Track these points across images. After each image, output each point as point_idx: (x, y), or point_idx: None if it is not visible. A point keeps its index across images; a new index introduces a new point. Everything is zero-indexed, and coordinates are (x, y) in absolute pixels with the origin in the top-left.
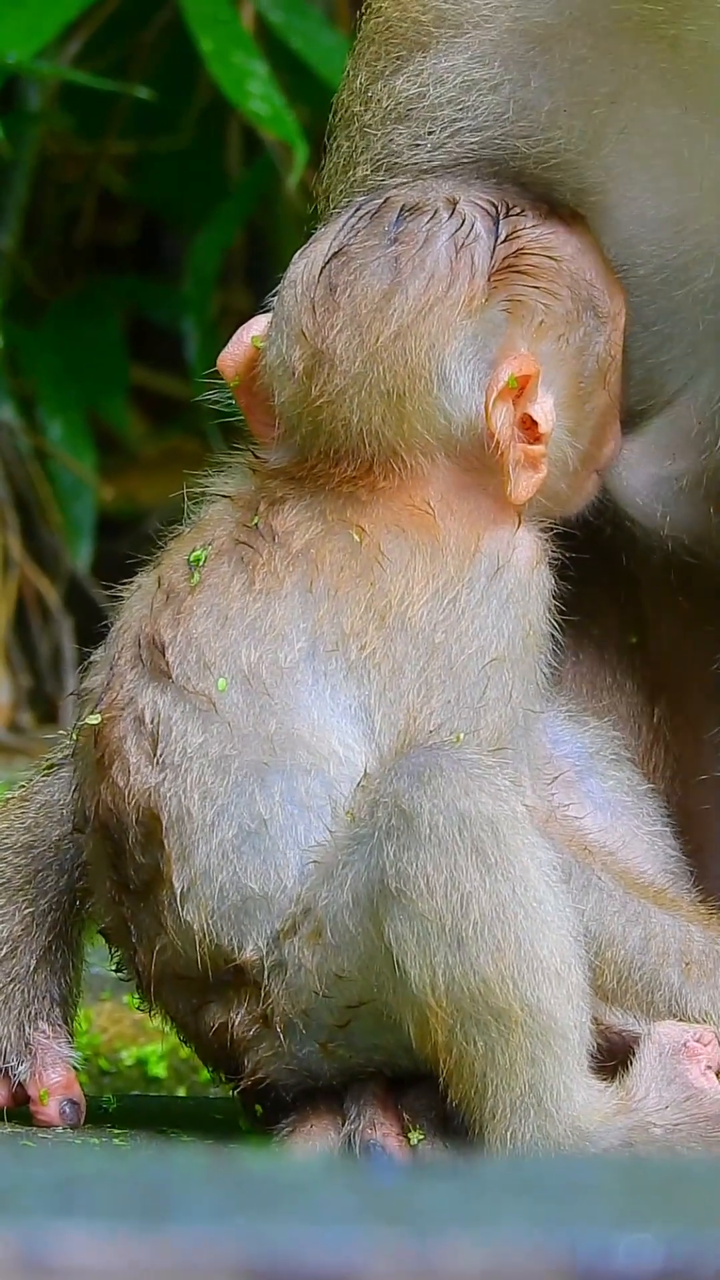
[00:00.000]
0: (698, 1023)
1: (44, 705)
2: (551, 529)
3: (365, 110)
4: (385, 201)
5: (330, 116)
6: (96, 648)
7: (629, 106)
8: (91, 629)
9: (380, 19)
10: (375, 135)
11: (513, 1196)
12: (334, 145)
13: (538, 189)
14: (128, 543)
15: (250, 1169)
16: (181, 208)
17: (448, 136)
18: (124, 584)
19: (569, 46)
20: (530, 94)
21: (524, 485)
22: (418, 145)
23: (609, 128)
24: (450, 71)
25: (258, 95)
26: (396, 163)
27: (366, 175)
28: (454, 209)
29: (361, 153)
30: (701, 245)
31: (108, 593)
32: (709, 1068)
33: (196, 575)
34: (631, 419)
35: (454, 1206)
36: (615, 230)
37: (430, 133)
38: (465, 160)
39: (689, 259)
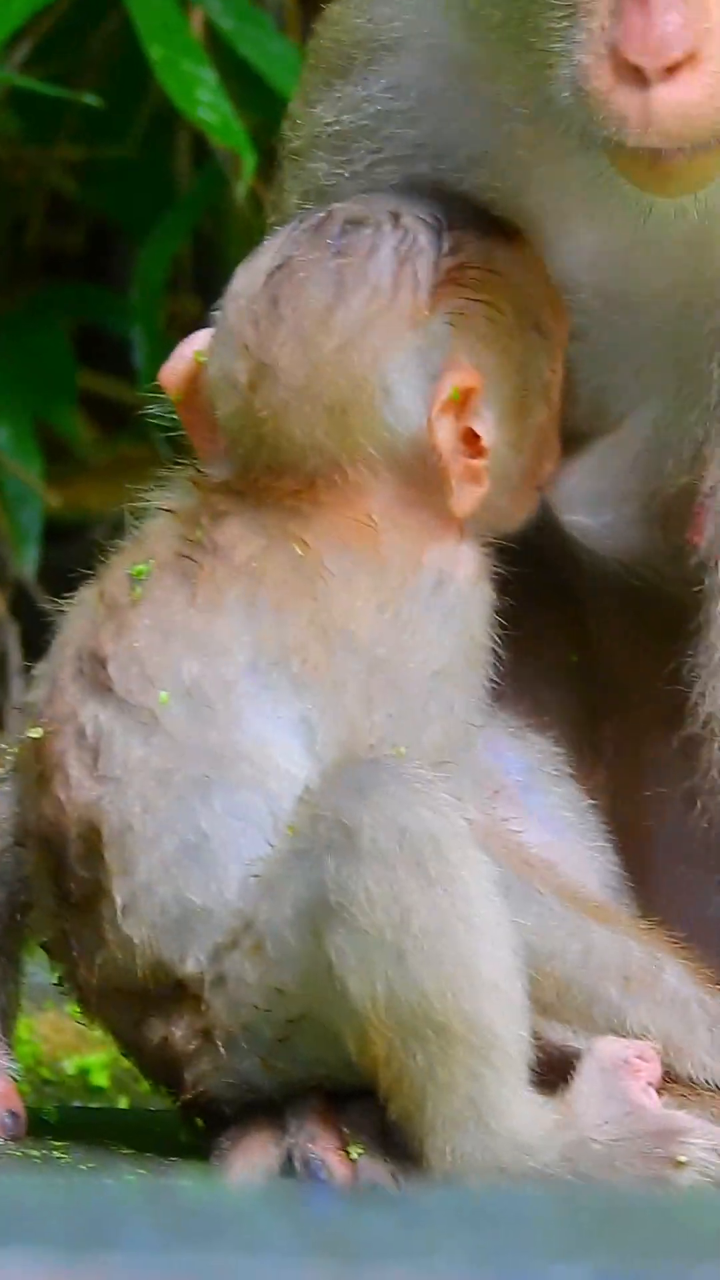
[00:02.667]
0: (637, 1037)
1: None
2: (493, 544)
3: (295, 136)
4: (328, 214)
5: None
6: (42, 656)
7: (555, 146)
8: (38, 636)
9: (316, 41)
10: (302, 162)
11: (449, 1227)
12: (278, 174)
13: (479, 204)
14: (75, 550)
15: (188, 1196)
16: (130, 215)
17: (367, 167)
18: (70, 593)
19: (488, 84)
20: (451, 133)
21: (466, 499)
22: (337, 174)
23: (536, 169)
24: (367, 101)
25: (206, 103)
26: (323, 190)
27: (296, 203)
28: (397, 222)
29: (292, 179)
30: (642, 278)
31: (54, 601)
32: (649, 1084)
33: (138, 589)
34: (578, 440)
35: (390, 1237)
36: (556, 258)
37: (349, 161)
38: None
39: (632, 291)
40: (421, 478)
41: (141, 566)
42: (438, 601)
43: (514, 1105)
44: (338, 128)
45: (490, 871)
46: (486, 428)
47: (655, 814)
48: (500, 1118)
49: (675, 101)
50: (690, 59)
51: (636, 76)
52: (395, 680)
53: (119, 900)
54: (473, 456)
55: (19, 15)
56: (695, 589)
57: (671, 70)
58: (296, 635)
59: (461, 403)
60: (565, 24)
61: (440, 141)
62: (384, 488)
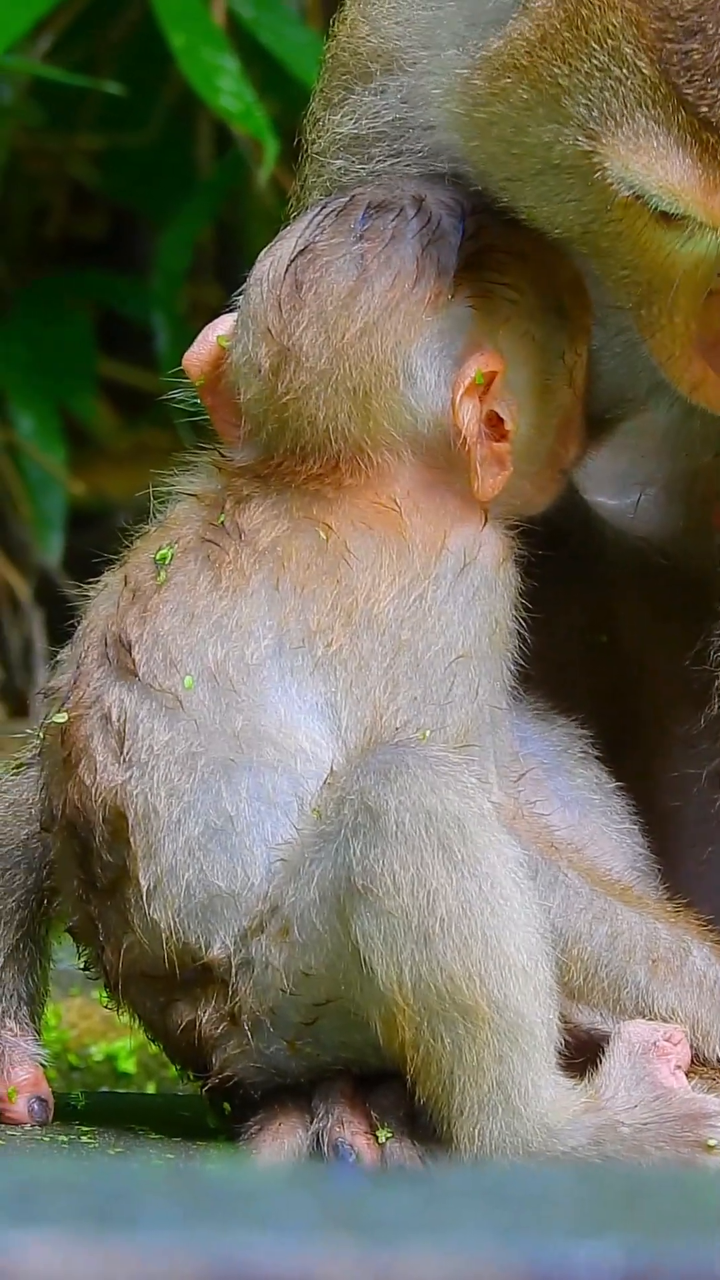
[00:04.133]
0: (664, 1020)
1: (14, 699)
2: (518, 526)
3: (317, 138)
4: (351, 199)
5: (299, 136)
6: (66, 642)
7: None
8: (62, 623)
9: (334, 43)
10: (323, 163)
11: (473, 1204)
12: (299, 165)
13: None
14: (98, 536)
15: (212, 1176)
16: (151, 202)
17: (387, 167)
18: (94, 579)
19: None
20: (468, 150)
21: (490, 482)
22: (357, 171)
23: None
24: (386, 109)
25: (228, 91)
26: (345, 188)
27: (318, 200)
28: (420, 206)
29: (314, 178)
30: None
31: (78, 587)
32: (678, 1067)
33: (163, 573)
34: (603, 422)
35: (414, 1214)
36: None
37: (369, 160)
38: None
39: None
40: (445, 461)
41: (165, 551)
42: (462, 585)
43: (542, 1088)
44: (356, 132)
45: (516, 854)
46: (510, 411)
47: (683, 795)
48: (528, 1101)
49: None
50: None
51: None
52: (419, 663)
53: (144, 884)
54: (496, 440)
55: (42, 6)
56: (717, 569)
57: None
58: (320, 619)
59: (485, 386)
60: (638, 298)
61: (456, 152)
62: (407, 471)
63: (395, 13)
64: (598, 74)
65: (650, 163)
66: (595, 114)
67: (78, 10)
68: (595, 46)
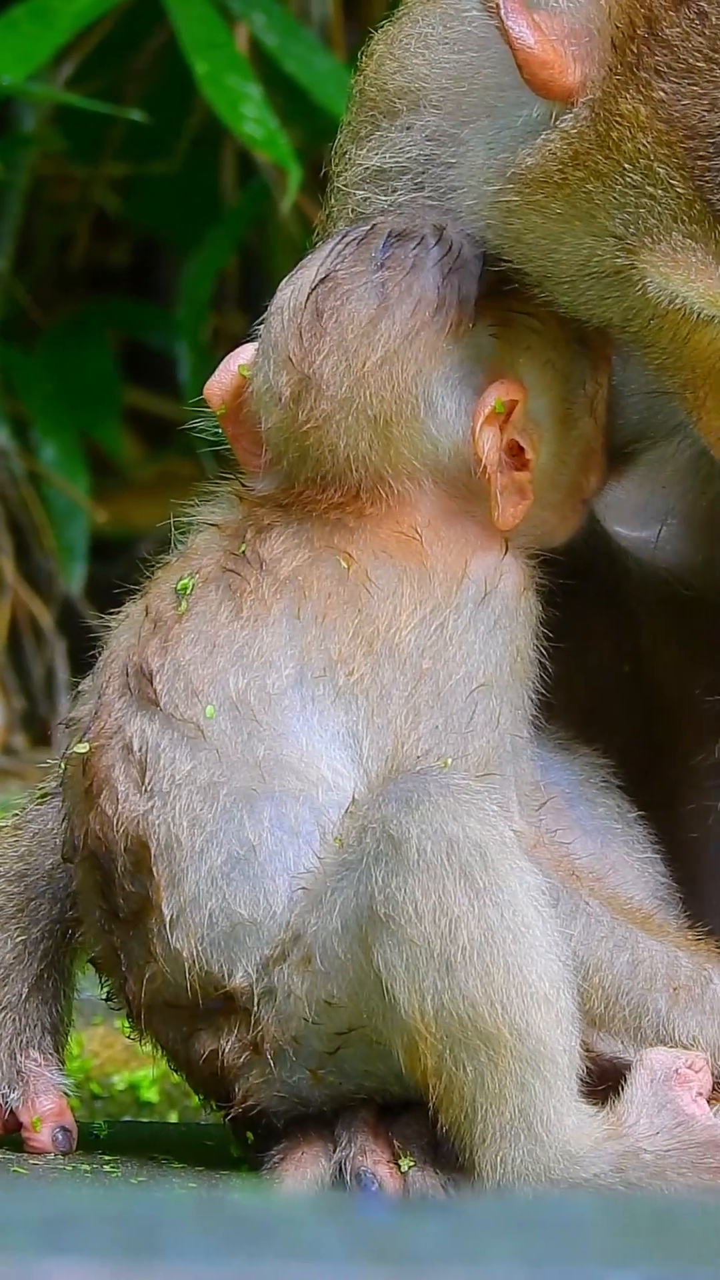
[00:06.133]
0: (686, 1048)
1: (38, 728)
2: (541, 556)
3: (344, 170)
4: (372, 228)
5: (325, 166)
6: (88, 673)
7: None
8: (85, 652)
9: (361, 77)
10: (349, 195)
11: (501, 1234)
12: (324, 201)
13: None
14: (122, 566)
15: (239, 1205)
16: (175, 231)
17: (409, 199)
18: (117, 609)
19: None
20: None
21: (510, 512)
22: (380, 201)
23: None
24: (410, 144)
25: (252, 118)
26: (369, 219)
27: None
28: (441, 235)
29: (339, 209)
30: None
31: (101, 616)
32: (700, 1094)
33: (184, 603)
34: (626, 453)
35: (442, 1244)
36: None
37: (393, 192)
38: None
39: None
40: (465, 490)
41: (186, 581)
42: (483, 614)
43: (564, 1116)
44: (381, 166)
45: (538, 881)
46: (530, 440)
47: (704, 825)
48: (550, 1128)
49: None
50: None
51: None
52: (440, 692)
53: (167, 914)
54: (517, 469)
55: (65, 32)
56: None
57: None
58: (341, 648)
59: (505, 415)
60: (682, 383)
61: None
62: (428, 500)
63: (424, 52)
64: (632, 192)
65: (690, 277)
66: (632, 230)
67: (101, 37)
68: (628, 166)
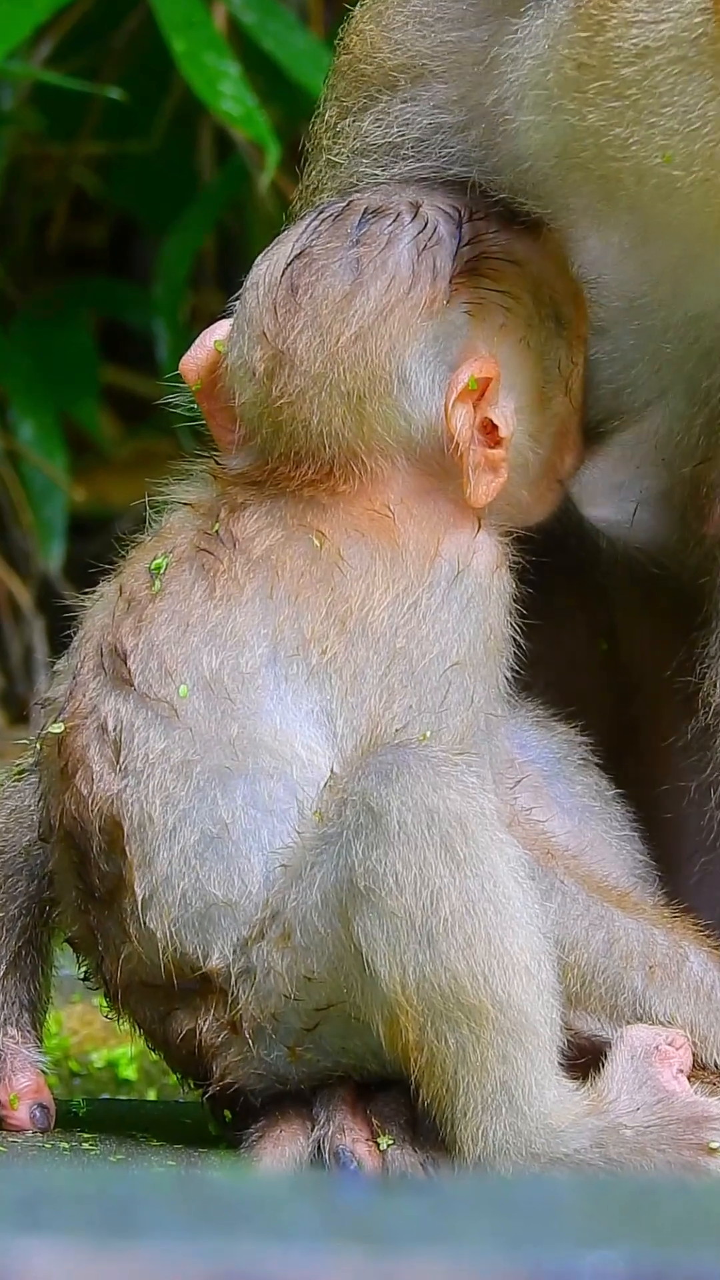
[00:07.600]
0: (662, 1026)
1: (16, 706)
2: (514, 534)
3: (334, 144)
4: (348, 204)
5: (304, 141)
6: (67, 651)
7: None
8: (63, 630)
9: (349, 55)
10: (343, 168)
11: (478, 1213)
12: (306, 171)
13: (501, 194)
14: (100, 544)
15: (217, 1183)
16: (153, 209)
17: (410, 169)
18: (95, 587)
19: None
20: (500, 145)
21: (483, 489)
22: (376, 174)
23: (585, 185)
24: (417, 115)
25: (230, 96)
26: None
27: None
28: (417, 212)
29: (329, 181)
30: (666, 284)
31: (79, 595)
32: (680, 1071)
33: (157, 583)
34: (599, 434)
35: (419, 1223)
36: (580, 255)
37: (392, 163)
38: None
39: (654, 296)
40: (439, 467)
41: (160, 560)
42: (456, 592)
43: (546, 1089)
44: (384, 141)
45: (518, 854)
46: (504, 418)
47: (680, 802)
48: (531, 1101)
49: None
50: None
51: None
52: (414, 671)
53: (140, 894)
54: (491, 446)
55: (43, 11)
56: (702, 580)
57: None
58: (315, 626)
59: (479, 392)
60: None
61: (486, 150)
62: (401, 477)
63: (415, 19)
64: None
65: None
66: None
67: (79, 16)
68: None
